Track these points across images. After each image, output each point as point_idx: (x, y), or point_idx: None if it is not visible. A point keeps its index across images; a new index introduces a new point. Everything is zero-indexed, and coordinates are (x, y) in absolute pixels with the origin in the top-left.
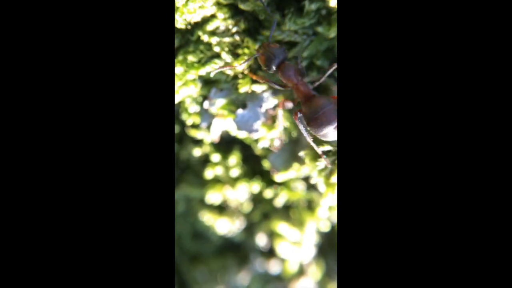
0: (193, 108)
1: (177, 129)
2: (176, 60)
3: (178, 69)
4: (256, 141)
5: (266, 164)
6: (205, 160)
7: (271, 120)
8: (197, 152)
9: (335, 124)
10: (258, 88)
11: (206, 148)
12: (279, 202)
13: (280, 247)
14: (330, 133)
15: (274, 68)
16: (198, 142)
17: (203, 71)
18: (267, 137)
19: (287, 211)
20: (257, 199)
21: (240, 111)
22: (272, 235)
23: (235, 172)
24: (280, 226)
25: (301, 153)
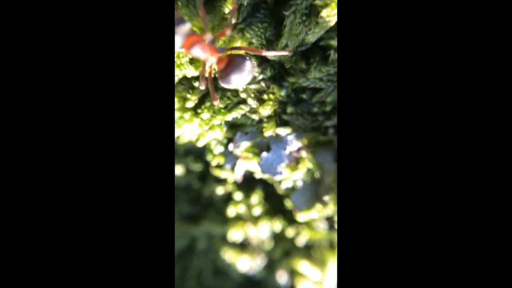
0: (218, 149)
1: (200, 167)
2: (203, 106)
3: (205, 115)
4: (279, 181)
5: (288, 203)
6: (227, 198)
7: (295, 162)
8: (220, 190)
9: (243, 71)
10: (283, 131)
11: (229, 187)
12: (300, 241)
13: (301, 286)
14: (237, 79)
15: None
16: (221, 181)
17: (229, 117)
18: (290, 178)
19: (308, 250)
20: (278, 237)
21: (264, 154)
22: (293, 273)
23: (257, 210)
24: (302, 265)
25: (326, 198)
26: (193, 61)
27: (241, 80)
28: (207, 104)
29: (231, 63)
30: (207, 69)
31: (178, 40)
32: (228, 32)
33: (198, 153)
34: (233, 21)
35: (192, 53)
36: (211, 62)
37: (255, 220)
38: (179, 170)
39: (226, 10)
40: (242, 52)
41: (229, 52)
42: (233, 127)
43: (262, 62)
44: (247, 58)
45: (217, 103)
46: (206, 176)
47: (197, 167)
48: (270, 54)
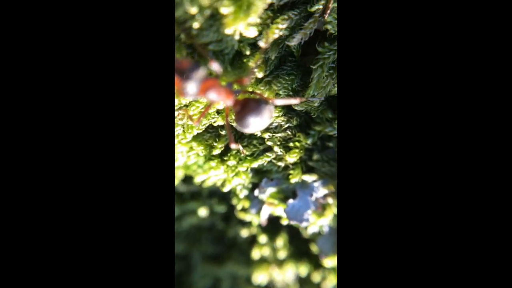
0: (243, 193)
1: (224, 208)
2: (229, 154)
3: (231, 162)
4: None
5: (314, 247)
6: (252, 240)
7: (321, 208)
8: (244, 232)
9: (260, 115)
10: (309, 178)
11: (254, 229)
12: (327, 286)
13: None
14: (253, 123)
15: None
16: (246, 223)
17: (255, 164)
18: (316, 224)
19: None
20: (304, 281)
21: (290, 201)
22: None
23: (282, 253)
24: None
25: None
26: (220, 111)
27: (259, 123)
28: (233, 151)
29: (248, 106)
30: (223, 110)
31: (194, 86)
32: (247, 81)
33: (222, 195)
34: (256, 73)
35: (208, 97)
36: (227, 104)
37: (280, 263)
38: (203, 211)
39: (254, 66)
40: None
41: (246, 96)
42: (259, 172)
43: (288, 111)
44: (266, 101)
45: (235, 147)
46: (230, 217)
47: (221, 208)
48: (280, 103)
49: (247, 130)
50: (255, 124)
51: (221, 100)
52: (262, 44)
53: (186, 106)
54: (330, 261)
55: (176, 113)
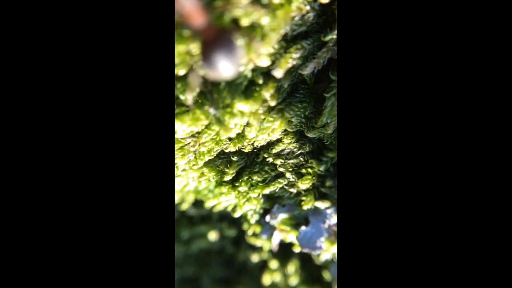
0: (254, 219)
1: (235, 232)
2: (241, 180)
3: (243, 188)
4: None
5: (326, 274)
6: (262, 265)
7: (334, 235)
8: (255, 257)
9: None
10: (321, 204)
11: (264, 254)
12: None
13: None
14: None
15: None
16: (257, 248)
17: (267, 191)
18: (330, 251)
19: None
20: None
21: (303, 228)
22: None
23: (293, 280)
24: None
25: None
26: (232, 138)
27: (227, 67)
28: (245, 177)
29: (219, 39)
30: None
31: None
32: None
33: (233, 218)
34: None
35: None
36: (197, 25)
37: None
38: (213, 235)
39: (267, 95)
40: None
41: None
42: (271, 198)
43: (301, 137)
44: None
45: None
46: (240, 241)
47: (232, 232)
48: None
49: (213, 74)
50: (224, 67)
51: (191, 11)
52: (276, 73)
53: (198, 133)
54: None
55: (188, 140)
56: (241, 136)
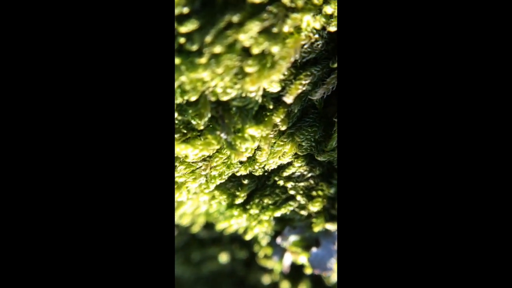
0: (265, 241)
1: (246, 254)
2: (252, 202)
3: (254, 211)
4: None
5: None
6: (274, 287)
7: None
8: (266, 279)
9: None
10: (332, 227)
11: (276, 276)
12: None
13: None
14: None
15: None
16: (268, 270)
17: (278, 214)
18: None
19: None
20: None
21: (314, 249)
22: None
23: None
24: None
25: None
26: (243, 162)
27: None
28: (256, 200)
29: None
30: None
31: None
32: None
33: (244, 240)
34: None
35: None
36: None
37: None
38: (224, 257)
39: (278, 120)
40: None
41: None
42: (282, 220)
43: (311, 160)
44: None
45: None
46: (251, 263)
47: (243, 254)
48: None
49: None
50: None
51: None
52: (286, 99)
53: (209, 157)
54: None
55: (199, 164)
56: (252, 159)
